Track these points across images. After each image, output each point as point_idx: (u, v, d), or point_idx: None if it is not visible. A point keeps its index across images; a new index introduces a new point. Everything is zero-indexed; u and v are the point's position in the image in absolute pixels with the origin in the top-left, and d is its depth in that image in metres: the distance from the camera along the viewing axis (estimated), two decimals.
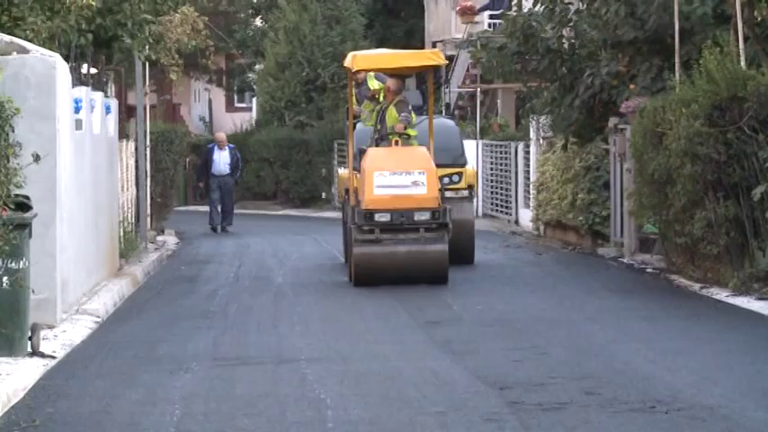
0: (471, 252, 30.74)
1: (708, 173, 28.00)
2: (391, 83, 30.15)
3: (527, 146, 45.65)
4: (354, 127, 31.45)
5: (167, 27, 38.27)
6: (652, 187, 31.63)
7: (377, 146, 29.12)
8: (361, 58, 32.29)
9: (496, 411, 15.83)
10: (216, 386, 17.86)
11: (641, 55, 35.22)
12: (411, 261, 27.30)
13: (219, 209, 45.60)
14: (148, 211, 39.61)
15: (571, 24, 36.89)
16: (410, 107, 30.10)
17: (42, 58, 22.99)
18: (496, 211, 46.34)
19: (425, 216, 27.47)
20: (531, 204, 44.33)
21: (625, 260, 35.12)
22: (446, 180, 29.03)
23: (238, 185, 48.28)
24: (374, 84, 31.24)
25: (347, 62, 32.22)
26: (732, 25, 30.93)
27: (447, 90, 51.81)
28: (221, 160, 46.93)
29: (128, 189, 37.02)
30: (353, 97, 32.14)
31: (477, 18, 49.73)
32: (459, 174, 29.12)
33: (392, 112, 29.00)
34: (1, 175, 17.84)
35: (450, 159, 29.41)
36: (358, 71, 31.55)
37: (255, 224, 46.87)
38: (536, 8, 38.43)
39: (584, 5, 36.41)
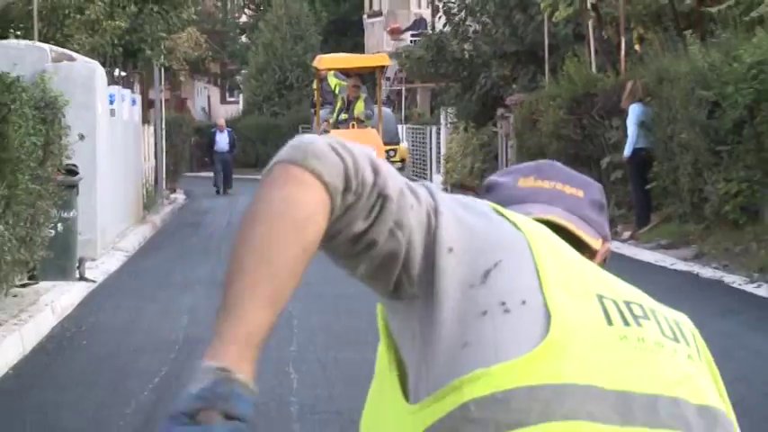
0: None
1: (569, 148, 28.02)
2: (353, 81, 29.95)
3: (438, 129, 45.54)
4: (316, 114, 31.24)
5: (177, 42, 38.13)
6: (528, 159, 31.50)
7: (336, 128, 28.56)
8: (325, 60, 32.23)
9: None
10: (213, 301, 17.82)
11: (521, 63, 35.24)
12: None
13: (222, 177, 45.30)
14: (164, 176, 39.39)
15: (470, 41, 36.80)
16: (373, 104, 30.04)
17: (85, 64, 22.90)
18: (416, 176, 46.20)
19: None
20: (441, 171, 44.16)
21: None
22: (391, 153, 28.79)
23: (236, 160, 47.98)
24: (333, 80, 31.05)
25: (314, 62, 32.13)
26: (586, 42, 30.90)
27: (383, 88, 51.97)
28: (222, 140, 46.66)
29: (148, 160, 36.78)
30: (317, 91, 31.90)
31: (402, 36, 49.51)
32: (395, 150, 28.91)
33: (360, 105, 28.85)
34: (55, 149, 17.73)
35: (388, 139, 29.19)
36: (322, 70, 31.35)
37: (242, 185, 46.48)
38: (445, 29, 38.39)
39: (480, 27, 36.32)
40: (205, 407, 2.21)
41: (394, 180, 2.35)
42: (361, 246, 2.35)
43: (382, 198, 2.31)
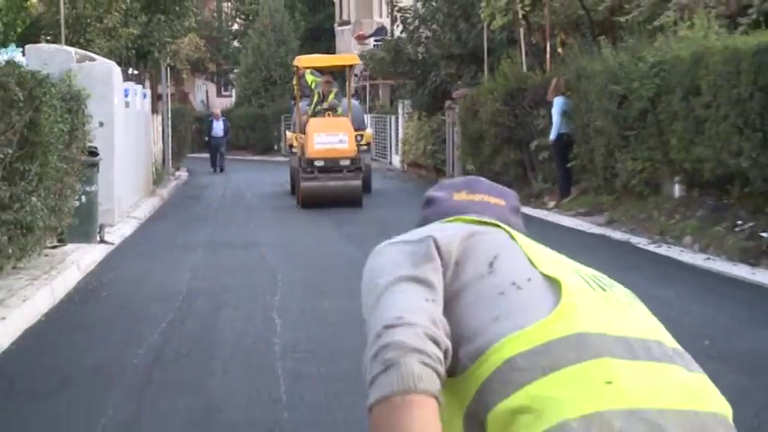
0: (370, 183, 29.57)
1: (504, 133, 28.01)
2: (326, 77, 29.89)
3: (397, 118, 45.49)
4: (296, 105, 31.14)
5: (180, 46, 37.99)
6: (471, 142, 31.59)
7: (314, 117, 28.35)
8: (303, 59, 32.01)
9: None
10: (211, 261, 17.86)
11: (464, 63, 35.09)
12: (337, 191, 26.57)
13: (217, 158, 45.30)
14: (170, 157, 39.34)
15: (422, 45, 36.74)
16: (343, 97, 30.04)
17: (104, 64, 22.82)
18: (378, 157, 46.07)
19: (347, 162, 26.86)
20: (399, 152, 44.15)
21: None
22: (358, 138, 28.74)
23: (229, 143, 47.98)
24: (310, 77, 30.99)
25: (295, 62, 31.90)
26: (518, 46, 30.86)
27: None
28: (218, 127, 46.48)
29: (157, 143, 36.72)
30: (297, 86, 31.81)
31: (366, 41, 49.39)
32: (362, 135, 28.90)
33: (331, 96, 28.79)
34: (79, 134, 17.68)
35: (357, 126, 29.04)
36: (301, 68, 31.27)
37: (234, 165, 46.51)
38: (401, 35, 38.31)
39: (431, 33, 36.25)
40: None
41: (427, 315, 2.46)
42: None
43: (445, 351, 2.42)
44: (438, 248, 2.60)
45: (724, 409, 2.55)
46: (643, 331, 2.56)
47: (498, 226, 2.71)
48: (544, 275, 2.57)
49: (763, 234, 16.25)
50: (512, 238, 2.68)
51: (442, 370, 2.38)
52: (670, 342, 2.60)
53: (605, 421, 2.33)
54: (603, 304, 2.57)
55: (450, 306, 2.54)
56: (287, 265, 16.99)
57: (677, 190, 20.54)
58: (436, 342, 2.40)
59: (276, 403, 8.83)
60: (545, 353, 2.43)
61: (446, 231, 2.67)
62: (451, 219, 2.80)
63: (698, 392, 2.50)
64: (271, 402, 8.85)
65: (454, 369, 2.48)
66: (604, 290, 2.62)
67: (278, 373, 9.89)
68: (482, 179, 3.06)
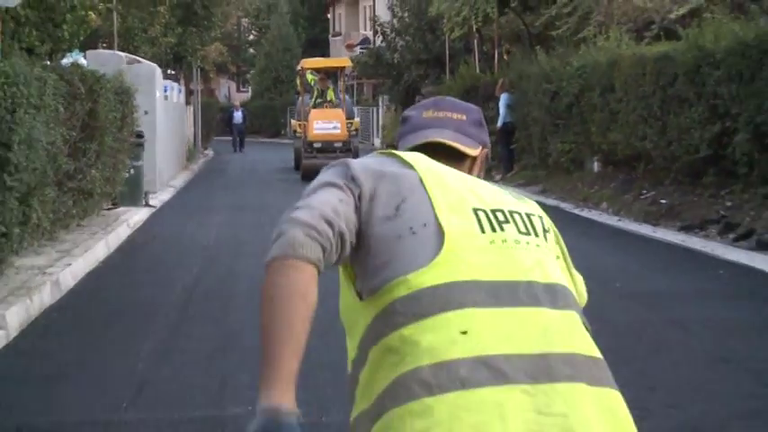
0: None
1: None
2: (322, 76, 29.67)
3: (378, 109, 45.45)
4: (300, 98, 30.96)
5: (208, 52, 37.71)
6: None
7: (315, 108, 28.23)
8: (306, 61, 31.93)
9: None
10: (232, 220, 17.79)
11: (431, 67, 35.10)
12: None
13: (237, 141, 45.16)
14: (200, 139, 39.23)
15: (398, 52, 36.66)
16: (338, 93, 29.81)
17: (148, 65, 22.71)
18: (363, 140, 45.95)
19: (339, 144, 26.78)
20: (380, 136, 44.12)
21: None
22: (349, 125, 28.60)
23: (246, 129, 47.71)
24: (310, 76, 30.85)
25: (298, 65, 31.86)
26: (473, 53, 30.82)
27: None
28: (237, 116, 46.21)
29: (189, 128, 36.59)
30: (300, 83, 31.63)
31: (354, 49, 49.12)
32: (352, 123, 28.72)
33: (331, 93, 28.60)
34: (129, 120, 17.65)
35: (347, 115, 28.87)
36: (303, 69, 31.14)
37: (250, 146, 46.36)
38: (382, 44, 38.21)
39: (404, 43, 36.16)
40: None
41: (330, 206, 2.35)
42: (338, 259, 2.38)
43: (339, 233, 2.31)
44: (353, 175, 2.42)
45: (583, 346, 2.30)
46: (518, 273, 2.33)
47: (413, 168, 2.43)
48: (437, 221, 2.33)
49: (662, 201, 16.32)
50: (421, 181, 2.40)
51: (328, 246, 2.29)
52: (546, 278, 2.36)
53: (453, 369, 2.15)
54: (486, 248, 2.34)
55: (364, 237, 2.37)
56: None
57: (596, 166, 20.60)
58: (329, 223, 2.30)
59: None
60: (417, 300, 2.25)
61: (366, 166, 2.47)
62: (383, 152, 2.57)
63: (553, 335, 2.26)
64: None
65: (361, 291, 2.37)
66: (495, 230, 2.37)
67: None
68: (448, 98, 2.87)
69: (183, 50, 33.39)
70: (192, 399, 6.76)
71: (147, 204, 19.06)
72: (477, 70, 29.85)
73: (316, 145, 26.80)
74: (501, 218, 2.42)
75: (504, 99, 24.29)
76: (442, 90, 31.27)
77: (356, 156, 28.37)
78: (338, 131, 27.02)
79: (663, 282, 11.03)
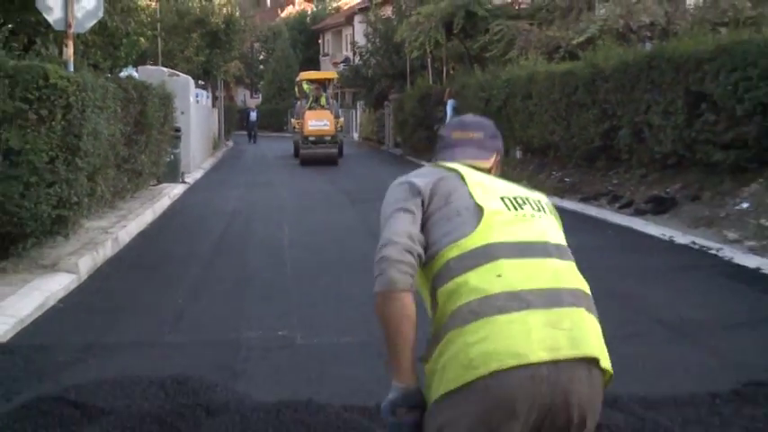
0: (342, 150, 28.15)
1: (418, 121, 27.95)
2: (315, 86, 29.36)
3: (356, 111, 45.28)
4: (299, 101, 30.70)
5: (229, 67, 37.43)
6: (399, 125, 31.51)
7: (310, 110, 27.64)
8: (303, 74, 31.76)
9: (343, 200, 15.74)
10: (247, 193, 17.71)
11: (396, 79, 34.84)
12: (322, 155, 25.96)
13: (252, 135, 44.88)
14: (223, 133, 38.97)
15: (371, 68, 36.46)
16: (329, 99, 29.41)
17: (184, 78, 22.45)
18: (346, 133, 45.90)
19: (328, 138, 26.47)
20: (357, 131, 44.00)
21: (389, 150, 34.07)
22: (336, 123, 28.36)
23: (259, 125, 47.24)
24: (306, 86, 30.62)
25: (297, 77, 31.64)
26: (427, 69, 30.73)
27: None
28: (252, 116, 45.88)
29: (215, 124, 36.30)
30: (298, 91, 31.41)
31: (338, 66, 48.74)
32: (338, 121, 28.40)
33: (323, 99, 28.24)
34: (169, 118, 17.53)
35: (335, 115, 28.58)
36: (301, 80, 30.94)
37: (261, 139, 46.05)
38: (359, 62, 38.03)
39: (376, 61, 35.98)
40: (398, 406, 2.42)
41: (406, 234, 2.47)
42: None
43: (418, 256, 2.46)
44: (418, 189, 2.55)
45: (581, 285, 2.50)
46: (535, 236, 2.50)
47: (457, 171, 2.62)
48: (476, 204, 2.49)
49: (567, 179, 16.40)
50: (462, 179, 2.59)
51: (414, 272, 2.43)
52: (554, 240, 2.55)
53: (492, 301, 2.33)
54: (512, 220, 2.51)
55: (426, 225, 2.51)
56: (290, 196, 16.91)
57: (518, 154, 20.63)
58: (411, 252, 2.42)
59: (284, 268, 8.88)
60: (465, 258, 2.41)
61: (424, 177, 2.62)
62: (435, 164, 2.73)
63: (561, 276, 2.45)
64: (282, 270, 8.88)
65: (426, 262, 2.48)
66: (517, 209, 2.54)
67: (285, 256, 9.91)
68: (468, 119, 2.95)
69: (210, 67, 33.05)
70: (217, 325, 6.78)
71: (183, 181, 18.94)
72: (431, 82, 29.78)
73: (310, 138, 26.54)
74: (519, 201, 2.59)
75: (450, 104, 24.19)
76: (404, 97, 31.26)
77: (341, 147, 28.29)
78: (328, 128, 26.75)
79: (570, 239, 11.05)
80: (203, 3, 32.77)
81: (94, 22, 11.08)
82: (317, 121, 26.87)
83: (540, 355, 2.26)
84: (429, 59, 30.14)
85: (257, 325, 6.69)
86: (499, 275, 2.37)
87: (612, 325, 6.92)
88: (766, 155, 11.37)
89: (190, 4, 31.96)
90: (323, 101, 28.56)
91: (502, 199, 2.55)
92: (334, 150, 26.51)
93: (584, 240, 10.95)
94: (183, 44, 30.86)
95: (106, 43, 14.50)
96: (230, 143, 41.84)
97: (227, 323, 6.81)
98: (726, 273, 8.52)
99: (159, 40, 25.35)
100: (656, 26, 18.54)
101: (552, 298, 2.37)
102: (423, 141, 27.76)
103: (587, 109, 15.72)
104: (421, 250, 2.46)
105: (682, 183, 12.93)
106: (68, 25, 10.54)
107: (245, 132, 47.02)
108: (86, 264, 8.83)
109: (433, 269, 2.46)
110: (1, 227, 8.17)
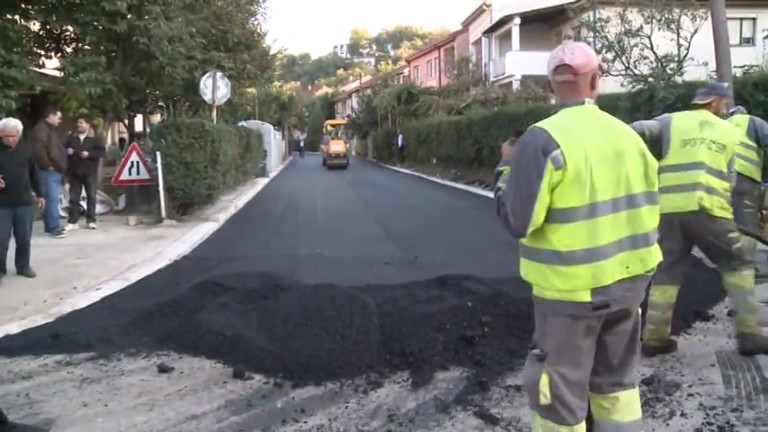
0: (348, 161, 25.50)
1: (385, 144, 26.24)
2: (335, 128, 28.06)
3: (353, 141, 43.73)
4: (325, 136, 29.65)
5: (290, 119, 36.23)
6: (376, 147, 29.50)
7: (332, 140, 26.30)
8: (327, 122, 30.58)
9: (346, 186, 15.06)
10: (300, 182, 16.93)
11: (372, 125, 32.23)
12: (338, 164, 24.18)
13: (301, 154, 41.76)
14: (288, 152, 37.91)
15: (361, 118, 34.51)
16: (341, 134, 27.77)
17: (268, 125, 21.58)
18: (349, 153, 44.46)
19: (342, 155, 24.71)
20: (353, 151, 42.54)
21: (370, 160, 31.26)
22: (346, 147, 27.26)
23: (305, 148, 45.10)
24: (329, 127, 29.69)
25: (324, 123, 30.43)
26: (389, 118, 28.97)
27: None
28: (301, 143, 44.17)
29: (283, 148, 35.03)
30: (325, 130, 30.44)
31: (345, 117, 46.22)
32: (346, 146, 27.22)
33: (338, 134, 26.99)
34: (261, 145, 17.05)
35: (345, 143, 27.51)
36: (326, 124, 29.92)
37: (307, 156, 43.33)
38: (354, 116, 36.67)
39: (363, 115, 34.43)
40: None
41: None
42: None
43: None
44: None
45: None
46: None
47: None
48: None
49: (458, 174, 16.23)
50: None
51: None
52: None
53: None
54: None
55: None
56: (322, 185, 16.21)
57: (435, 161, 20.32)
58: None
59: (317, 219, 8.65)
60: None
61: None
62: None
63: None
64: (317, 220, 8.65)
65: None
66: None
67: (318, 213, 9.63)
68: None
69: (281, 119, 32.39)
70: (285, 247, 6.66)
71: (266, 176, 18.55)
72: (390, 126, 29.26)
73: (332, 155, 25.33)
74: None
75: (400, 137, 23.88)
76: (377, 134, 30.29)
77: (348, 160, 25.54)
78: (341, 149, 25.59)
79: (459, 202, 10.74)
80: (278, 89, 31.94)
81: (226, 99, 11.07)
82: (336, 146, 25.87)
83: None
84: (389, 114, 29.65)
85: (304, 246, 6.68)
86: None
87: (468, 246, 6.26)
88: None
89: (273, 90, 31.06)
90: (338, 134, 27.82)
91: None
92: (345, 161, 25.44)
93: (464, 205, 10.62)
94: (267, 109, 30.16)
95: (231, 109, 14.27)
96: (290, 158, 40.95)
97: (289, 246, 6.74)
98: None
99: (256, 108, 24.69)
100: (499, 98, 18.58)
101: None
102: (386, 156, 27.05)
103: (466, 139, 15.60)
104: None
105: None
106: (213, 101, 10.67)
107: (298, 152, 45.97)
108: (222, 217, 8.75)
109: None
110: (183, 199, 8.36)
